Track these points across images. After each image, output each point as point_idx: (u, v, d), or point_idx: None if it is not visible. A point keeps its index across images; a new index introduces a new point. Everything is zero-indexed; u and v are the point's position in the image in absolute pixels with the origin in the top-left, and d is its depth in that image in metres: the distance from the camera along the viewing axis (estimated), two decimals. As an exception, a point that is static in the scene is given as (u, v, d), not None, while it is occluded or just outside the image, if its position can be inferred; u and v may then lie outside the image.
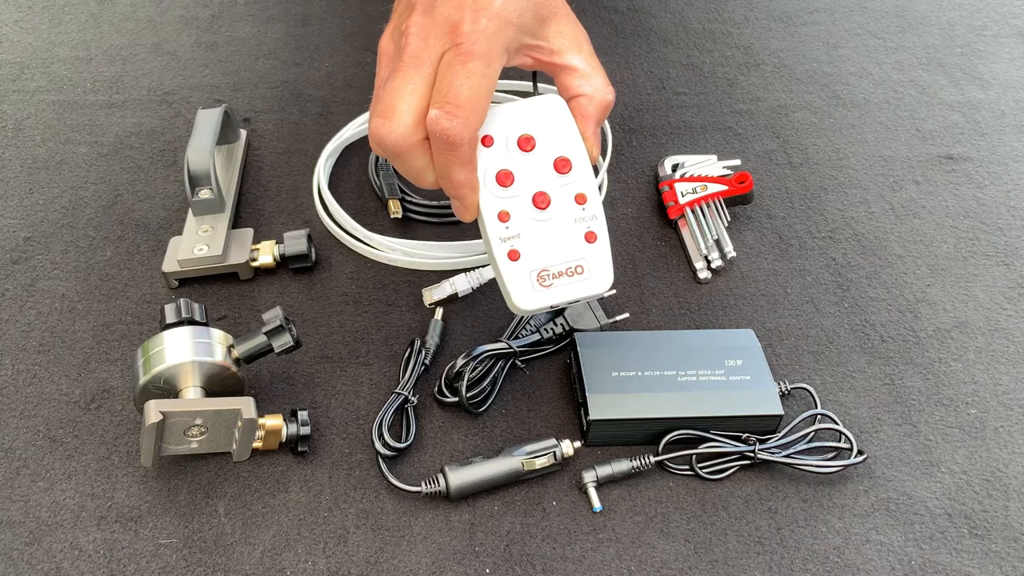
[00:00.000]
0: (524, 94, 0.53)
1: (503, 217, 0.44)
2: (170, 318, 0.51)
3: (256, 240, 0.63)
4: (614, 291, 0.60)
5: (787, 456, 0.51)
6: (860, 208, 0.69)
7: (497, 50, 0.42)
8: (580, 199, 0.45)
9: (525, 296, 0.44)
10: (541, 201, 0.45)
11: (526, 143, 0.45)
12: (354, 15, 0.87)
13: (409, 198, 0.66)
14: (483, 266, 0.61)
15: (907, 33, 0.88)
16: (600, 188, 0.67)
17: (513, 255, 0.44)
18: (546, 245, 0.45)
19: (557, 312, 0.58)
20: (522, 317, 0.57)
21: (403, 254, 0.62)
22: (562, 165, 0.45)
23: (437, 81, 0.41)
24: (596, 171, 0.67)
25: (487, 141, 0.45)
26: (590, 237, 0.45)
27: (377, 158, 0.69)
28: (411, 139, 0.41)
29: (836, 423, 0.53)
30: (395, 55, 0.42)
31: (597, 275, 0.45)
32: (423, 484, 0.50)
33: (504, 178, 0.44)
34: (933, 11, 0.91)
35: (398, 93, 0.41)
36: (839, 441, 0.52)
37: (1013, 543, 0.50)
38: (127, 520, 0.49)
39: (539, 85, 0.51)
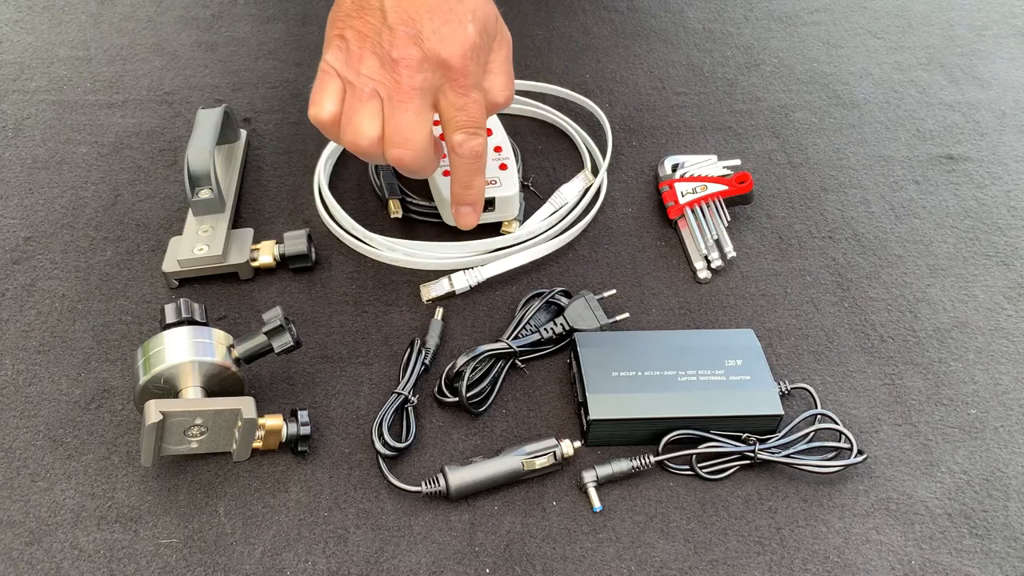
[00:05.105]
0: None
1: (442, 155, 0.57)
2: (170, 318, 0.51)
3: (256, 240, 0.63)
4: (614, 291, 0.60)
5: (787, 456, 0.51)
6: (860, 208, 0.69)
7: (480, 76, 0.51)
8: (498, 149, 0.65)
9: None
10: None
11: None
12: (354, 15, 0.87)
13: (409, 198, 0.66)
14: (482, 264, 0.61)
15: (907, 33, 0.88)
16: (600, 188, 0.67)
17: (446, 173, 0.60)
18: None
19: (557, 312, 0.58)
20: (522, 317, 0.57)
21: (403, 254, 0.62)
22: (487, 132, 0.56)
23: (452, 109, 0.50)
24: (596, 171, 0.68)
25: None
26: (503, 167, 0.64)
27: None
28: (428, 157, 0.51)
29: (836, 423, 0.53)
30: (381, 74, 0.48)
31: (506, 184, 0.63)
32: (423, 484, 0.50)
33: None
34: (933, 11, 0.91)
35: (411, 125, 0.49)
36: (839, 441, 0.52)
37: (1013, 543, 0.50)
38: (127, 520, 0.49)
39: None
